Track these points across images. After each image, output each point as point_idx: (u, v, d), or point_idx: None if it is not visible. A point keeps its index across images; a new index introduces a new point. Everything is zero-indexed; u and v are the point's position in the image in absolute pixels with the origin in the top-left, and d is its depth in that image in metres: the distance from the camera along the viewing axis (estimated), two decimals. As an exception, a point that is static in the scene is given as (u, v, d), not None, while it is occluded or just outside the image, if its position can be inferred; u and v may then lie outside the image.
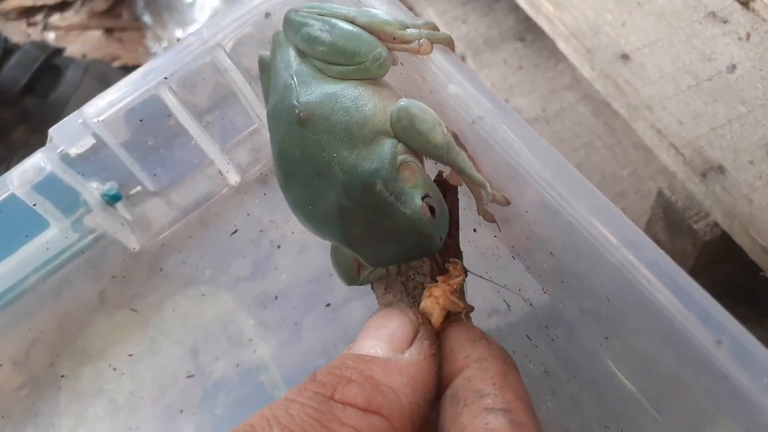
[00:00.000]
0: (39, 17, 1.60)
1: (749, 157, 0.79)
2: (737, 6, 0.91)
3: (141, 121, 0.45)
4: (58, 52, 1.37)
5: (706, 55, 0.88)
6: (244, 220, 0.53)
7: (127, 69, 1.48)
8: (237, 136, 0.50)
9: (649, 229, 0.92)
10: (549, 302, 0.42)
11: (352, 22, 0.41)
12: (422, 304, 0.40)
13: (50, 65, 1.32)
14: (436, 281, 0.42)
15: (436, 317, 0.39)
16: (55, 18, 1.60)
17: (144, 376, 0.59)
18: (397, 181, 0.38)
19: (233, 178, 0.51)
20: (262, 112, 0.49)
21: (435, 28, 0.41)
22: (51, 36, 1.56)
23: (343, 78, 0.41)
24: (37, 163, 0.43)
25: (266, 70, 0.45)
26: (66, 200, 0.45)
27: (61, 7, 1.60)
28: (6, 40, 1.35)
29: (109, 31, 1.55)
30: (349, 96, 0.40)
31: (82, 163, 0.45)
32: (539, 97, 1.20)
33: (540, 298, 0.43)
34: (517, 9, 1.08)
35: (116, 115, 0.43)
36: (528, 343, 0.50)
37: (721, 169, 0.79)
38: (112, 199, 0.47)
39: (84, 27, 1.56)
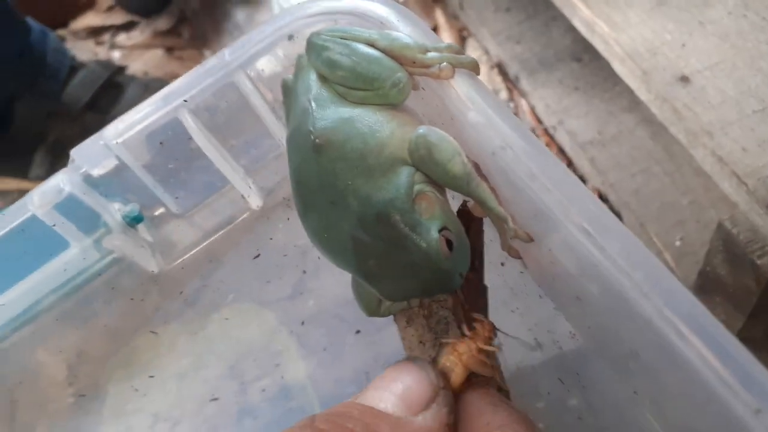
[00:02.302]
0: (106, 37, 1.66)
1: (820, 189, 0.73)
2: (810, 26, 0.84)
3: (161, 143, 0.44)
4: (121, 70, 1.41)
5: (775, 78, 0.82)
6: (267, 244, 0.52)
7: (185, 87, 1.51)
8: (260, 160, 0.49)
9: (708, 263, 0.86)
10: (578, 347, 0.38)
11: (372, 45, 0.39)
12: (442, 360, 0.36)
13: (113, 83, 1.37)
14: (461, 330, 0.39)
15: (456, 376, 0.35)
16: (122, 37, 1.66)
17: (166, 398, 0.58)
18: (412, 212, 0.36)
19: (255, 202, 0.49)
20: (285, 136, 0.48)
21: (460, 51, 0.39)
22: (116, 54, 1.62)
23: (362, 103, 0.39)
24: (57, 184, 0.43)
25: (289, 94, 0.44)
26: (87, 221, 0.45)
27: (128, 27, 1.66)
28: (73, 58, 1.40)
29: (170, 50, 1.59)
30: (366, 122, 0.38)
31: (104, 185, 0.45)
32: (595, 120, 1.15)
33: (570, 342, 0.40)
34: (574, 29, 1.04)
35: (137, 138, 0.43)
36: (561, 386, 0.46)
37: (788, 201, 0.73)
38: (133, 221, 0.47)
39: (147, 46, 1.61)
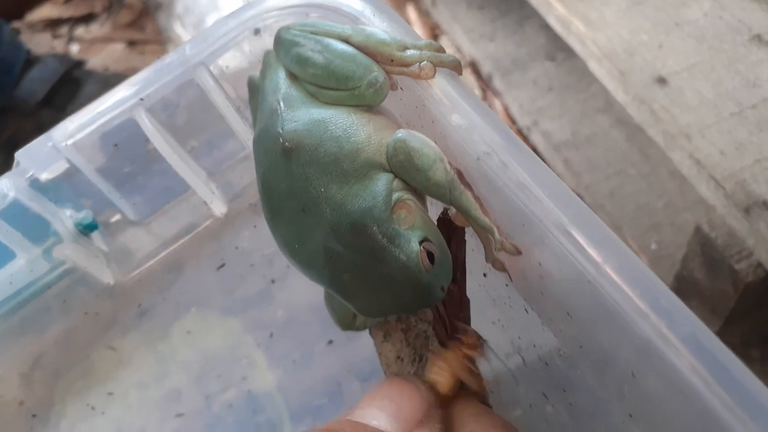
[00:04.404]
0: (64, 29, 1.59)
1: (798, 193, 0.72)
2: (785, 28, 0.84)
3: (116, 145, 0.41)
4: (79, 64, 1.36)
5: (751, 80, 0.81)
6: (233, 253, 0.49)
7: (149, 83, 1.46)
8: (224, 163, 0.46)
9: (684, 267, 0.85)
10: (566, 365, 0.36)
11: (347, 41, 0.36)
12: (431, 371, 0.35)
13: (70, 78, 1.31)
14: (443, 343, 0.38)
15: (445, 384, 0.34)
16: (80, 30, 1.59)
17: (127, 415, 0.54)
18: (391, 222, 0.33)
19: (218, 209, 0.46)
20: (252, 137, 0.45)
21: (440, 49, 0.36)
22: (75, 48, 1.55)
23: (335, 104, 0.36)
24: (0, 189, 0.39)
25: (255, 92, 0.41)
26: (34, 229, 0.42)
27: (87, 20, 1.60)
28: (28, 52, 1.34)
29: (132, 44, 1.53)
30: (341, 124, 0.35)
31: (53, 190, 0.41)
32: (570, 121, 1.14)
33: (557, 359, 0.37)
34: (548, 27, 1.03)
35: (89, 139, 0.39)
36: (545, 401, 0.44)
37: (766, 205, 0.72)
38: (86, 229, 0.43)
39: (107, 40, 1.55)
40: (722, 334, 0.83)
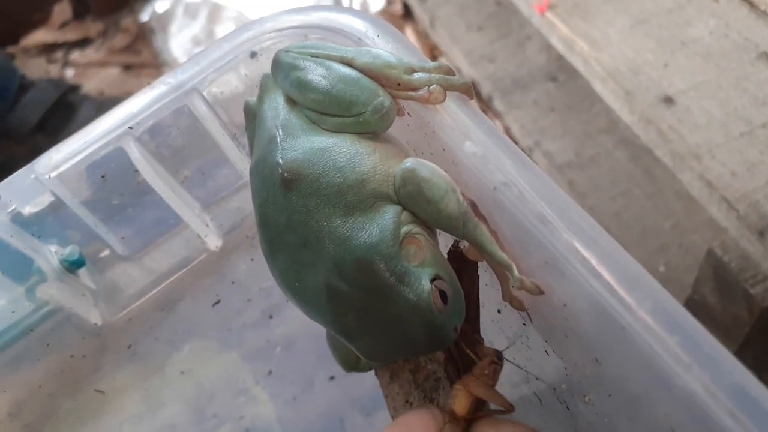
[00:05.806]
0: (59, 54, 1.58)
1: (814, 214, 0.70)
2: (793, 46, 0.82)
3: (103, 176, 0.38)
4: (74, 89, 1.34)
5: (760, 99, 0.79)
6: (229, 288, 0.46)
7: (144, 107, 1.43)
8: (219, 194, 0.43)
9: (696, 291, 0.82)
10: (592, 412, 0.33)
11: (349, 64, 0.34)
12: (448, 396, 0.33)
13: (65, 103, 1.29)
14: (453, 378, 0.35)
15: (460, 401, 0.32)
16: (76, 55, 1.57)
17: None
18: (399, 259, 0.31)
19: (213, 242, 0.43)
20: (248, 166, 0.42)
21: (450, 72, 0.34)
22: (70, 73, 1.53)
23: (338, 131, 0.34)
24: (-23, 225, 0.36)
25: (252, 118, 0.39)
26: (16, 267, 0.39)
27: (82, 44, 1.58)
28: (23, 77, 1.32)
29: (127, 68, 1.51)
30: (344, 153, 0.33)
31: (37, 224, 0.39)
32: (572, 141, 1.12)
33: (581, 406, 0.34)
34: (549, 47, 1.01)
35: (74, 170, 0.37)
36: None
37: (781, 227, 0.69)
38: (73, 265, 0.40)
39: (103, 64, 1.53)
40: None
